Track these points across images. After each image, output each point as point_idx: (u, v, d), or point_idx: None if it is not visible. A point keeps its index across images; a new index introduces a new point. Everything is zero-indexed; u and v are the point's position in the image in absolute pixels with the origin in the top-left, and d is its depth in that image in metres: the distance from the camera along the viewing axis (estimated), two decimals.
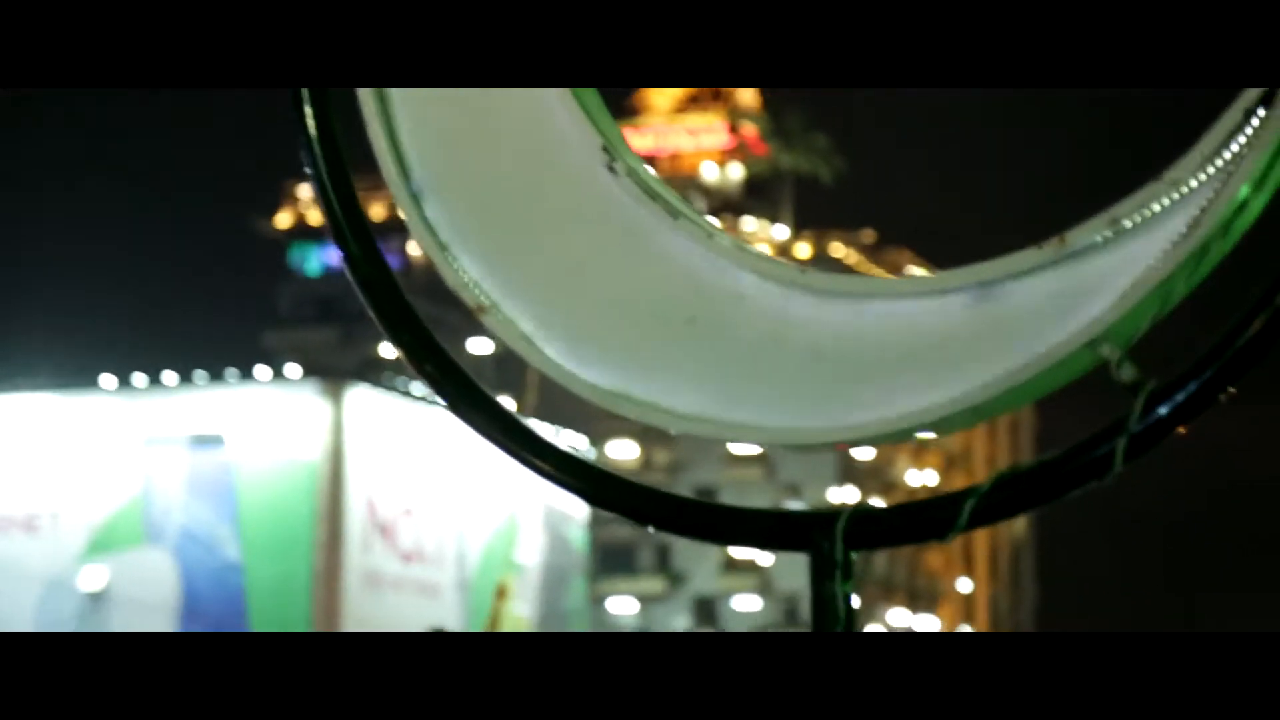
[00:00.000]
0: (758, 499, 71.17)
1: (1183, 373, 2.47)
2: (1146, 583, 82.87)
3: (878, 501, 74.65)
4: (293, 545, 37.85)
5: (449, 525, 47.05)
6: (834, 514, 2.63)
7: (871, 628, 73.41)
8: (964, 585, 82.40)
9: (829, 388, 2.76)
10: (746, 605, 71.77)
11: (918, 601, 78.04)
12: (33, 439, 44.12)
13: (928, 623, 78.42)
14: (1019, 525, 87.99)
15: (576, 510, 53.59)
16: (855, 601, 2.65)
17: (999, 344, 2.61)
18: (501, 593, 15.16)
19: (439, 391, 3.07)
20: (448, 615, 41.40)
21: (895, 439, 2.79)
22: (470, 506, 46.86)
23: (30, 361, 44.67)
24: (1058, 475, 2.58)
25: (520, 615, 41.24)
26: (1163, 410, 2.47)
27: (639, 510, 2.88)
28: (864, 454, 73.65)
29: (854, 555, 2.65)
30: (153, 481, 37.03)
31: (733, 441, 2.90)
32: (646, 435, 71.20)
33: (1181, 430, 2.49)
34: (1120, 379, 2.50)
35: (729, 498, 71.94)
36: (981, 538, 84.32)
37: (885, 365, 2.72)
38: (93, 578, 29.97)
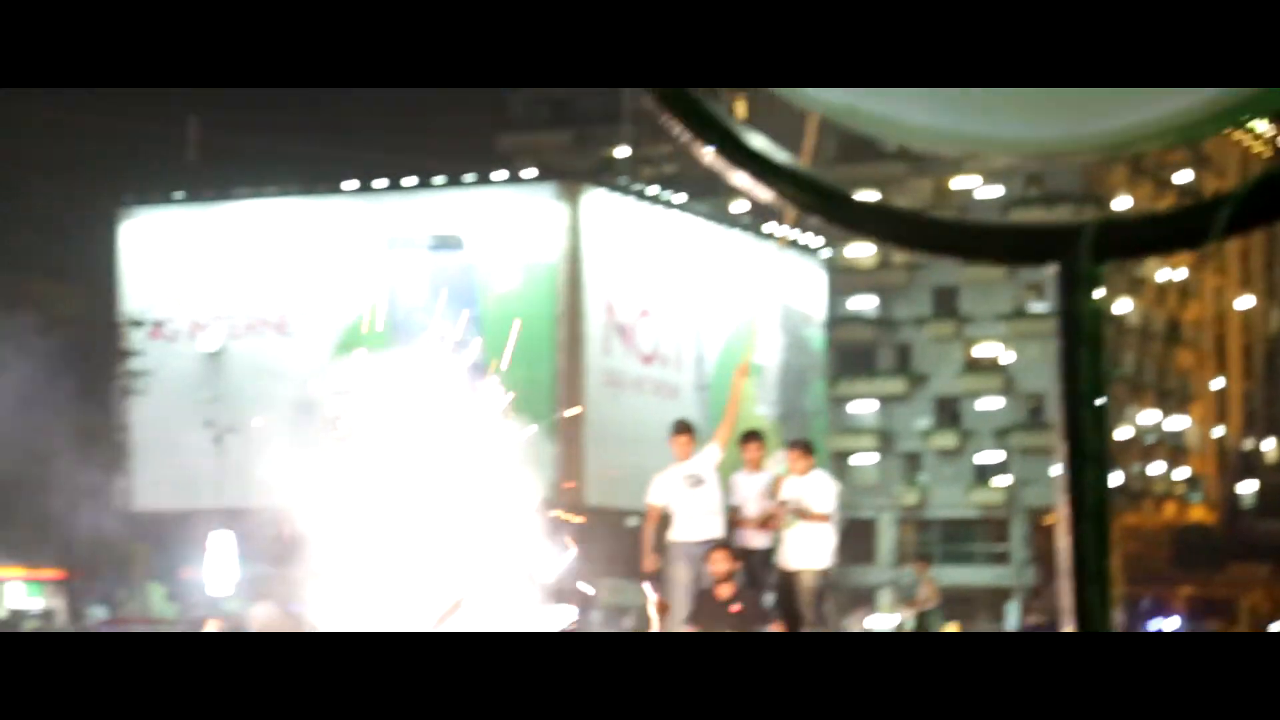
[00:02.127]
0: (999, 300, 70.12)
1: None
2: None
3: (1124, 302, 72.88)
4: (534, 347, 38.38)
5: (687, 327, 47.25)
6: (1082, 226, 2.43)
7: (1121, 430, 72.28)
8: (1216, 383, 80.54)
9: (1062, 100, 2.56)
10: (989, 405, 71.14)
11: (1168, 401, 76.54)
12: (282, 243, 45.27)
13: (1179, 422, 76.98)
14: (1276, 322, 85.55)
15: (815, 311, 53.27)
16: (1122, 306, 2.45)
17: None
18: (743, 370, 15.00)
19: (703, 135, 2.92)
20: (687, 415, 41.70)
21: (1125, 147, 2.58)
22: (707, 309, 46.95)
23: (276, 168, 45.64)
24: None
25: (761, 416, 41.38)
26: None
27: (899, 233, 2.71)
28: None
29: (1102, 269, 2.44)
30: (396, 283, 37.77)
31: (967, 153, 2.69)
32: None
33: None
34: None
35: (969, 297, 71.06)
36: (1234, 333, 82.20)
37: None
38: (340, 377, 30.83)
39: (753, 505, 14.00)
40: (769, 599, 13.87)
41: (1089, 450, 2.69)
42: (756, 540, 14.00)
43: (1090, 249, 2.41)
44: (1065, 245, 2.44)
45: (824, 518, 13.63)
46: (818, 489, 13.72)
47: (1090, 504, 2.62)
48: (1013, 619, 61.30)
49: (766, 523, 13.83)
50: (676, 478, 13.83)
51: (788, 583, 13.66)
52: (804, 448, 14.09)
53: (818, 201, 2.78)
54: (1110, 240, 2.45)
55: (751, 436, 14.43)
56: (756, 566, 14.03)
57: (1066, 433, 2.48)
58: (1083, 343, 2.42)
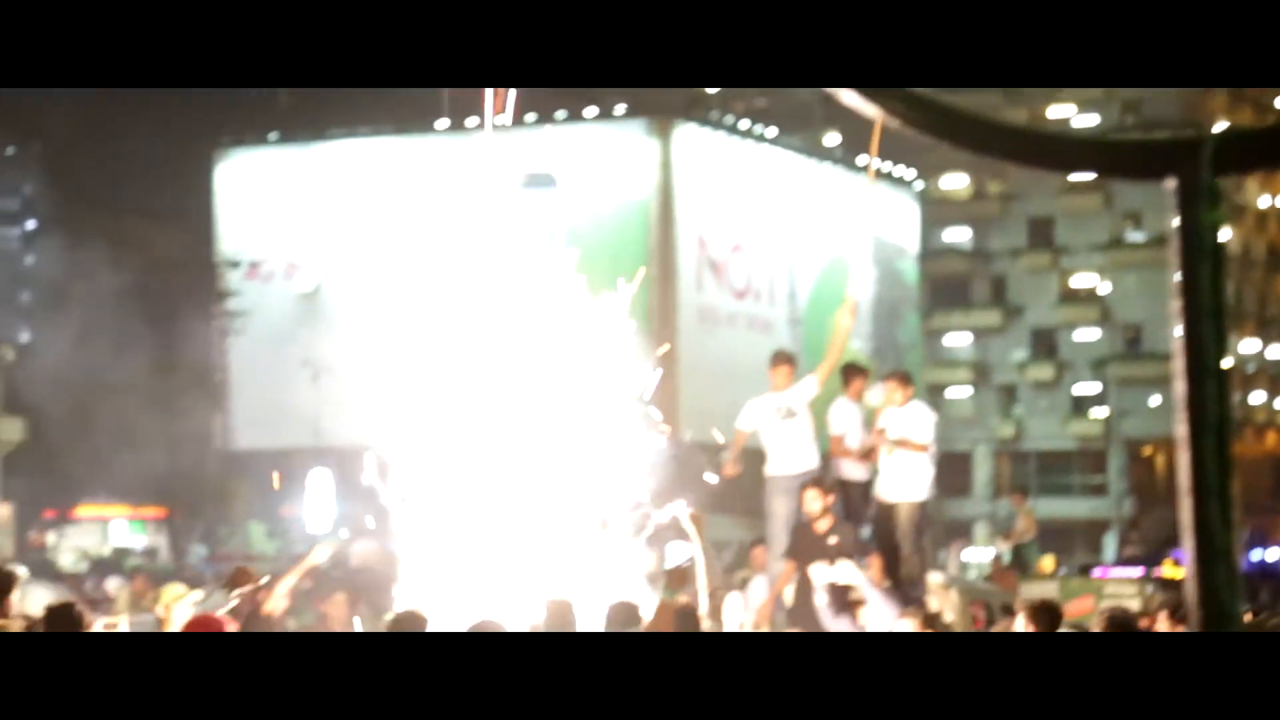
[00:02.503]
0: (1096, 230, 69.34)
1: None
2: None
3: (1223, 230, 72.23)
4: (626, 284, 38.29)
5: (779, 262, 47.07)
6: (1201, 140, 2.36)
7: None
8: None
9: None
10: (1086, 336, 70.47)
11: (1269, 329, 75.52)
12: (376, 182, 45.43)
13: (1278, 352, 75.95)
14: None
15: (908, 243, 52.89)
16: (1223, 234, 2.40)
17: None
18: (850, 309, 14.88)
19: None
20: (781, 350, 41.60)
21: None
22: (800, 243, 46.74)
23: (370, 108, 45.71)
24: None
25: (855, 350, 41.21)
26: None
27: (1011, 148, 2.63)
28: None
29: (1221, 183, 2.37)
30: (491, 221, 37.75)
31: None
32: (978, 166, 69.75)
33: None
34: None
35: (1065, 227, 70.31)
36: None
37: None
38: (436, 315, 31.08)
39: (854, 436, 13.98)
40: (866, 531, 13.85)
41: (1209, 365, 2.64)
42: (855, 472, 13.98)
43: (1211, 161, 2.34)
44: (1186, 158, 2.37)
45: (922, 448, 13.57)
46: (916, 420, 13.67)
47: (1211, 419, 2.59)
48: (1110, 550, 60.93)
49: (867, 455, 13.81)
50: (769, 408, 13.81)
51: (885, 515, 13.63)
52: (902, 378, 14.03)
53: (931, 119, 2.71)
54: (1231, 153, 2.37)
55: (854, 369, 14.39)
56: (854, 499, 14.01)
57: (1186, 348, 2.43)
58: (1202, 257, 2.36)
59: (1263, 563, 40.71)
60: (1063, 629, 7.65)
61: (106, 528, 51.07)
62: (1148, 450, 67.61)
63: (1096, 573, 34.24)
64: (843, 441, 14.12)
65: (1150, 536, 56.39)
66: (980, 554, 55.23)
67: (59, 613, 8.56)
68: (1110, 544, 62.42)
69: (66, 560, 45.14)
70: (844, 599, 12.12)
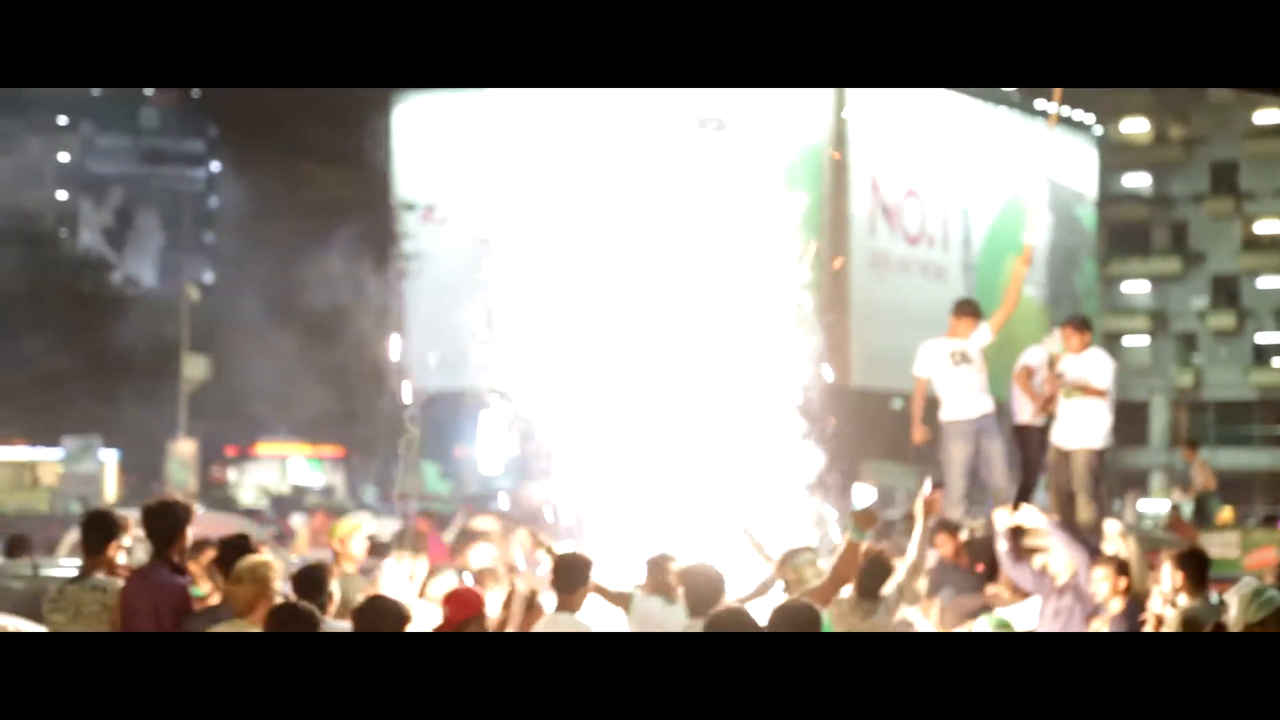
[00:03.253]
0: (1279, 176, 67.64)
1: None
2: None
3: None
4: (801, 228, 38.18)
5: (953, 207, 46.58)
6: None
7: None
8: None
9: None
10: (1269, 284, 68.92)
11: None
12: (551, 128, 45.62)
13: None
14: None
15: (1086, 188, 52.05)
16: None
17: None
18: (1026, 258, 14.71)
19: None
20: (955, 296, 41.22)
21: None
22: (974, 188, 46.19)
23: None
24: None
25: (1029, 296, 40.71)
26: None
27: None
28: None
29: None
30: (664, 165, 37.83)
31: None
32: (1160, 110, 68.30)
33: None
34: None
35: (1249, 172, 68.65)
36: None
37: None
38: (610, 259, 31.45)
39: (1040, 375, 13.90)
40: (1040, 478, 13.79)
41: None
42: (1037, 420, 13.90)
43: None
44: None
45: (1101, 394, 13.42)
46: (1095, 366, 13.51)
47: None
48: None
49: (1046, 403, 13.70)
50: (943, 352, 13.76)
51: (1062, 462, 13.52)
52: (1080, 324, 13.84)
53: None
54: None
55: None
56: (1031, 444, 13.93)
57: None
58: None
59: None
60: (1245, 579, 7.59)
61: (285, 465, 52.22)
62: None
63: None
64: (1030, 379, 14.00)
65: None
66: (1155, 505, 54.48)
67: (234, 543, 8.76)
68: None
69: (247, 496, 46.28)
70: (1024, 546, 12.08)
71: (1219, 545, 18.57)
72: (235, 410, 42.20)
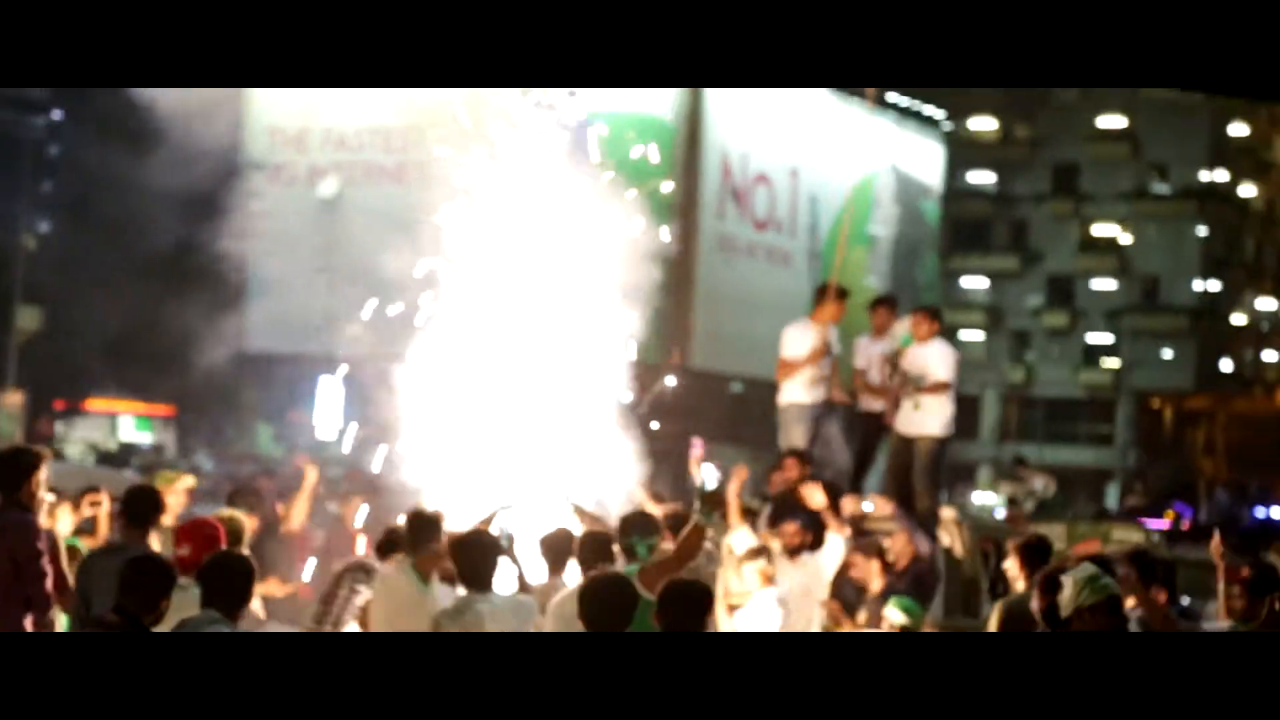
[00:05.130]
0: (1121, 180, 69.00)
1: None
2: None
3: (1248, 187, 71.38)
4: (647, 208, 38.26)
5: (802, 194, 46.95)
6: None
7: (1235, 316, 71.25)
8: None
9: None
10: (1103, 286, 70.33)
11: None
12: (397, 91, 45.24)
13: None
14: None
15: (933, 183, 52.86)
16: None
17: None
18: (842, 244, 15.03)
19: None
20: (799, 283, 41.57)
21: None
22: (822, 176, 46.58)
23: None
24: None
25: (871, 286, 41.20)
26: None
27: None
28: (1238, 131, 70.52)
29: None
30: (516, 136, 37.66)
31: None
32: (1008, 109, 69.34)
33: None
34: None
35: (1091, 175, 69.99)
36: None
37: None
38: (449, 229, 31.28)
39: (876, 371, 14.06)
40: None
41: None
42: (876, 405, 14.08)
43: None
44: None
45: (945, 386, 13.60)
46: (938, 357, 13.68)
47: None
48: (1112, 500, 61.12)
49: (886, 391, 13.86)
50: (808, 337, 13.87)
51: (903, 449, 13.67)
52: (932, 313, 13.99)
53: None
54: None
55: (882, 302, 14.44)
56: (872, 432, 14.11)
57: None
58: None
59: (1267, 518, 40.71)
60: (1084, 564, 7.85)
61: (115, 422, 51.33)
62: (1156, 403, 67.64)
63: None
64: (865, 375, 14.20)
65: (1154, 488, 56.56)
66: (983, 497, 55.42)
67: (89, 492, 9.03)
68: (1113, 494, 62.59)
69: (74, 452, 45.42)
70: (867, 531, 12.24)
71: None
72: (66, 364, 41.41)
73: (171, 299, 35.54)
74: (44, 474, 8.83)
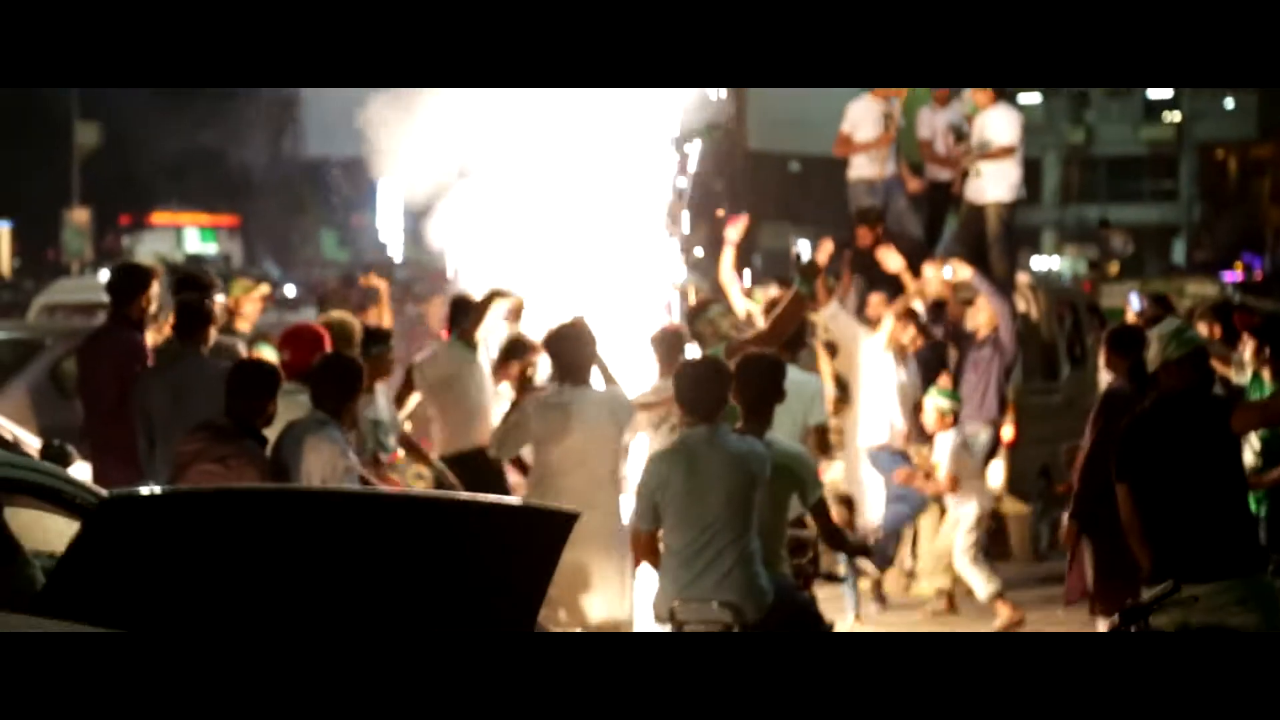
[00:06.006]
0: None
1: None
2: None
3: None
4: None
5: None
6: None
7: None
8: None
9: None
10: None
11: None
12: None
13: None
14: None
15: None
16: None
17: None
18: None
19: None
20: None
21: None
22: None
23: None
24: None
25: None
26: None
27: None
28: None
29: None
30: None
31: None
32: None
33: None
34: None
35: None
36: None
37: None
38: None
39: (941, 141, 14.12)
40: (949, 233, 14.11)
41: None
42: (943, 174, 14.19)
43: None
44: None
45: (1010, 150, 13.65)
46: (1003, 123, 13.71)
47: None
48: (1179, 255, 60.91)
49: (954, 159, 13.94)
50: (871, 112, 13.88)
51: (974, 216, 13.78)
52: None
53: None
54: None
55: None
56: (940, 202, 14.22)
57: None
58: None
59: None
60: (1168, 319, 8.02)
61: (181, 234, 51.73)
62: (1220, 154, 66.94)
63: None
64: (930, 146, 14.24)
65: (1221, 241, 56.20)
66: (1048, 261, 55.30)
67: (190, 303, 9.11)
68: (1180, 249, 62.30)
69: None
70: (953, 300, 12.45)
71: (1117, 295, 19.13)
72: (129, 179, 41.69)
73: (226, 109, 35.67)
74: (155, 290, 8.91)
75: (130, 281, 8.93)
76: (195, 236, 52.09)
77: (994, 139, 13.60)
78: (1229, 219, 60.02)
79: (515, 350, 9.30)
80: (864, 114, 13.93)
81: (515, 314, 10.03)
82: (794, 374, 8.35)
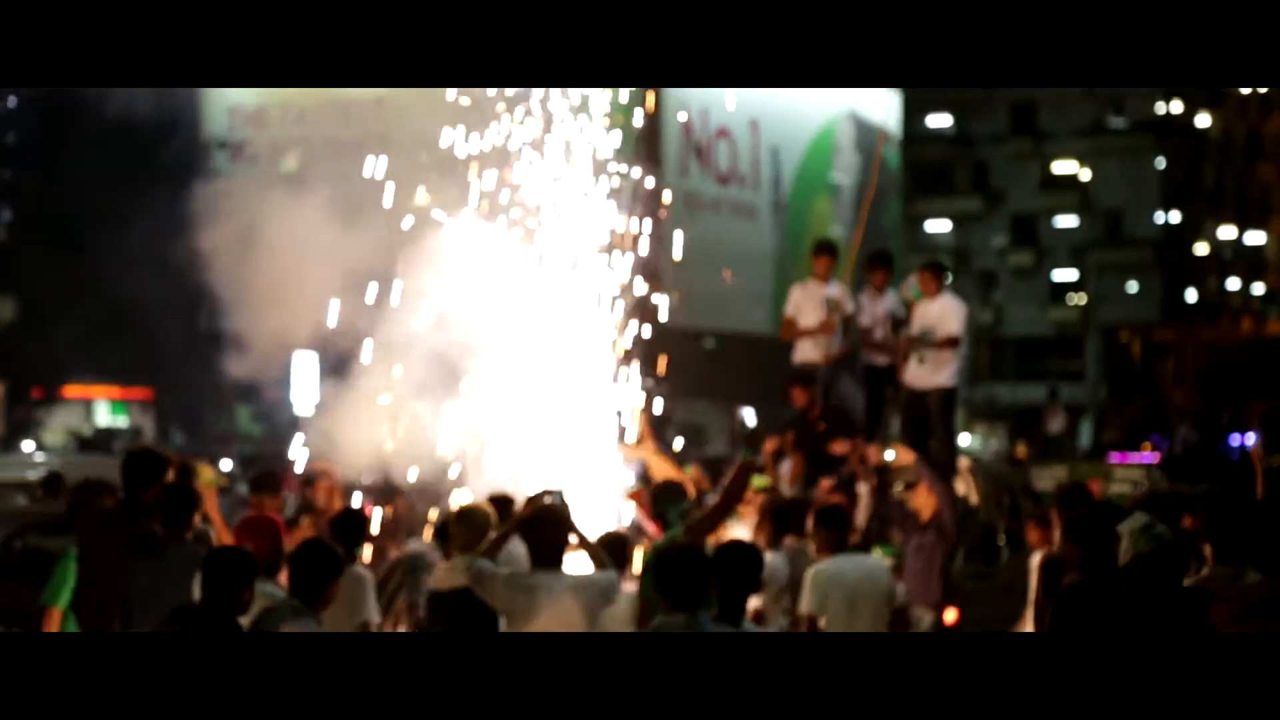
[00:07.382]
0: (1078, 116, 69.20)
1: None
2: None
3: (1204, 116, 71.25)
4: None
5: (763, 146, 47.08)
6: None
7: (1199, 246, 71.67)
8: None
9: None
10: (1066, 223, 70.67)
11: (1246, 215, 75.75)
12: None
13: (1256, 237, 76.15)
14: None
15: (891, 129, 52.80)
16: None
17: None
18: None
19: None
20: (764, 236, 41.74)
21: None
22: (782, 127, 46.72)
23: None
24: None
25: (836, 234, 41.42)
26: None
27: None
28: None
29: None
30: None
31: None
32: None
33: None
34: None
35: (1047, 113, 70.13)
36: None
37: None
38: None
39: (880, 329, 14.30)
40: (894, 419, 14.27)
41: None
42: (880, 359, 14.34)
43: None
44: None
45: (956, 340, 13.84)
46: (949, 312, 13.88)
47: None
48: (1085, 436, 61.52)
49: (892, 347, 14.10)
50: (809, 295, 14.13)
51: (916, 403, 13.91)
52: (937, 270, 14.13)
53: None
54: None
55: (879, 261, 14.57)
56: (881, 385, 14.36)
57: None
58: None
59: (1242, 445, 41.02)
60: (1136, 514, 8.09)
61: (92, 407, 51.32)
62: (1124, 336, 68.07)
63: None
64: (871, 334, 14.43)
65: (1129, 422, 56.89)
66: (961, 440, 55.70)
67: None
68: (1087, 429, 63.01)
69: (53, 439, 45.45)
70: (893, 481, 12.52)
71: (1050, 478, 19.26)
72: (41, 352, 41.40)
73: (143, 283, 35.54)
74: (170, 477, 8.85)
75: (146, 468, 8.87)
76: (106, 409, 51.68)
77: (939, 327, 13.78)
78: (1136, 400, 60.87)
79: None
80: (806, 298, 14.15)
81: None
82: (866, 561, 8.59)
